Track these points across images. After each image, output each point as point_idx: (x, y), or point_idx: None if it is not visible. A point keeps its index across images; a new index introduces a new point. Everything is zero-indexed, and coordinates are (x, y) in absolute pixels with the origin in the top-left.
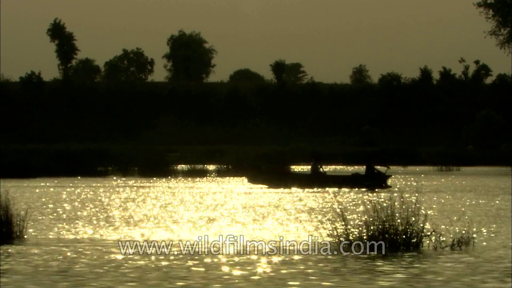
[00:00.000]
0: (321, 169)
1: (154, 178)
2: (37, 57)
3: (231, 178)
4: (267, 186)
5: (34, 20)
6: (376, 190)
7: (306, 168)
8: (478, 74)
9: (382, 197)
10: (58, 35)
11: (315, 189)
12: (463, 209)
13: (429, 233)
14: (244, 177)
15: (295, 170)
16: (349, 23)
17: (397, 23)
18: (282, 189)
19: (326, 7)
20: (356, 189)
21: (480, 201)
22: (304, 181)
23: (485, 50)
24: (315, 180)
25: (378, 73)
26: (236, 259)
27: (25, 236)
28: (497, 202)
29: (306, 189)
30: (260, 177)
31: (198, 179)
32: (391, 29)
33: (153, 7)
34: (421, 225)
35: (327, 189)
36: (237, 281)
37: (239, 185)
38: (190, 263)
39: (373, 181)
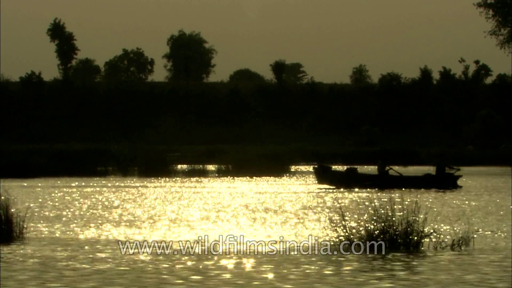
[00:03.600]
0: (389, 169)
1: (159, 178)
2: (37, 57)
3: (295, 178)
4: (334, 187)
5: (34, 20)
6: (447, 190)
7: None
8: (478, 74)
9: (400, 197)
10: (58, 35)
11: (383, 191)
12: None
13: (429, 233)
14: (311, 177)
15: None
16: (349, 23)
17: (397, 23)
18: (349, 190)
19: (326, 7)
20: (427, 189)
21: (480, 201)
22: (373, 182)
23: (485, 50)
24: (385, 181)
25: (378, 73)
26: (236, 259)
27: (25, 236)
28: (497, 201)
29: (374, 191)
30: (328, 178)
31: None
32: (391, 29)
33: (153, 7)
34: (422, 224)
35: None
36: (236, 281)
37: (304, 185)
38: (190, 263)
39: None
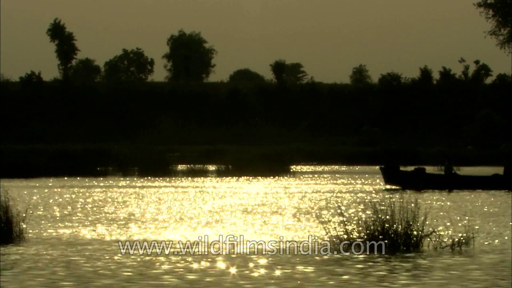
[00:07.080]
0: (454, 170)
1: (158, 178)
2: (37, 57)
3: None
4: (401, 187)
5: (34, 20)
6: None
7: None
8: (478, 74)
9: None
10: (58, 35)
11: (451, 191)
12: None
13: (429, 233)
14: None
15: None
16: (349, 23)
17: (397, 23)
18: (416, 190)
19: (326, 7)
20: (495, 191)
21: (481, 201)
22: (440, 182)
23: (485, 50)
24: (452, 182)
25: (378, 73)
26: (236, 259)
27: (25, 236)
28: (498, 202)
29: (440, 191)
30: (396, 178)
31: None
32: (391, 29)
33: (153, 7)
34: (422, 224)
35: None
36: (236, 281)
37: (369, 185)
38: (189, 263)
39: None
